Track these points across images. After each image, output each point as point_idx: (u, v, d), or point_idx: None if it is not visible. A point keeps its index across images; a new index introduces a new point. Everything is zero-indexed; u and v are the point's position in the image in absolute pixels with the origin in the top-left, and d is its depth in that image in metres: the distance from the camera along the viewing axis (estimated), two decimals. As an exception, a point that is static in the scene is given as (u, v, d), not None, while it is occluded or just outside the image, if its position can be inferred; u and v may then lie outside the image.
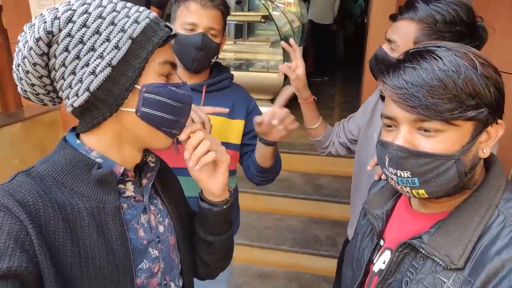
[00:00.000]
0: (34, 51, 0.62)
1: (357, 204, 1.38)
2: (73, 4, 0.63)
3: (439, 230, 0.67)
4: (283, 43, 1.36)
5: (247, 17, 3.94)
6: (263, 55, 3.85)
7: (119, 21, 0.63)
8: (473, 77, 0.60)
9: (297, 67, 1.31)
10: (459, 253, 0.63)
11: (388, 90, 0.65)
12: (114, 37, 0.62)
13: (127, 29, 0.63)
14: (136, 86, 0.65)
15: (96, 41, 0.62)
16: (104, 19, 0.62)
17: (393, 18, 1.10)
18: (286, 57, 3.92)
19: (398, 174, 0.67)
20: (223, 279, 1.29)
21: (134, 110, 0.65)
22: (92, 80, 0.62)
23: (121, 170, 0.69)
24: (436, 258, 0.65)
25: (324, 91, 5.01)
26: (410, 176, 0.65)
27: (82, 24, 0.61)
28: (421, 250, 0.67)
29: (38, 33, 0.61)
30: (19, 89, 0.68)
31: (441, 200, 0.70)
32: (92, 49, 0.62)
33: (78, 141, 0.69)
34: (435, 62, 0.61)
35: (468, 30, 0.99)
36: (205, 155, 0.73)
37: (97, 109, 0.66)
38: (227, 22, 1.31)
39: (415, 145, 0.64)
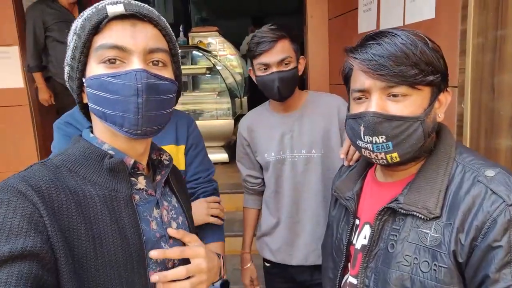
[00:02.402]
0: None
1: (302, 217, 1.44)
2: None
3: (411, 189, 0.74)
4: None
5: (192, 70, 4.11)
6: (211, 105, 3.98)
7: (76, 21, 0.68)
8: (426, 49, 0.73)
9: None
10: (434, 203, 0.71)
11: (360, 64, 0.74)
12: (70, 37, 0.68)
13: (74, 26, 0.67)
14: (83, 79, 0.67)
15: (68, 45, 0.68)
16: (74, 23, 0.68)
17: (264, 47, 1.31)
18: (234, 105, 4.09)
19: (374, 141, 0.73)
20: None
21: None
22: (66, 80, 0.70)
23: (131, 162, 0.70)
24: (415, 213, 0.72)
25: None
26: (385, 140, 0.72)
27: (73, 32, 0.68)
28: (400, 210, 0.74)
29: None
30: None
31: (405, 166, 0.79)
32: (67, 52, 0.69)
33: (91, 135, 0.70)
34: (395, 38, 0.73)
35: None
36: (179, 283, 0.68)
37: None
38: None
39: (386, 111, 0.73)
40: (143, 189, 0.73)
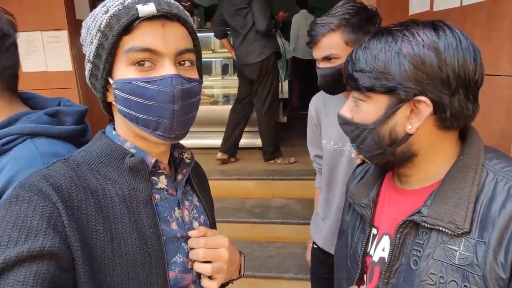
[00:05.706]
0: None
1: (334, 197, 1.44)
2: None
3: (435, 200, 0.68)
4: None
5: (222, 55, 4.07)
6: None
7: (97, 15, 0.63)
8: (391, 54, 0.65)
9: None
10: (462, 217, 0.64)
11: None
12: (91, 32, 0.63)
13: (97, 22, 0.62)
14: (109, 79, 0.64)
15: (87, 40, 0.65)
16: (95, 18, 0.64)
17: (311, 43, 1.22)
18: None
19: (350, 141, 0.78)
20: None
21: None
22: (86, 77, 0.67)
23: (153, 161, 0.69)
24: (441, 228, 0.65)
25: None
26: (350, 142, 0.77)
27: (86, 27, 0.65)
28: (423, 224, 0.67)
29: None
30: None
31: (407, 171, 0.74)
32: (88, 48, 0.65)
33: (114, 132, 0.70)
34: (368, 43, 0.70)
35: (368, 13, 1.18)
36: (202, 264, 0.71)
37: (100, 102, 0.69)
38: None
39: (346, 114, 0.76)
40: (163, 188, 0.72)
